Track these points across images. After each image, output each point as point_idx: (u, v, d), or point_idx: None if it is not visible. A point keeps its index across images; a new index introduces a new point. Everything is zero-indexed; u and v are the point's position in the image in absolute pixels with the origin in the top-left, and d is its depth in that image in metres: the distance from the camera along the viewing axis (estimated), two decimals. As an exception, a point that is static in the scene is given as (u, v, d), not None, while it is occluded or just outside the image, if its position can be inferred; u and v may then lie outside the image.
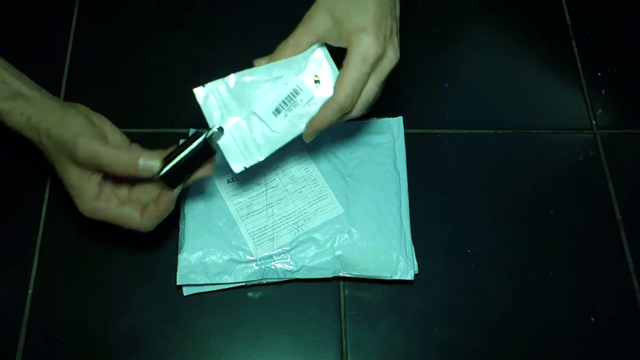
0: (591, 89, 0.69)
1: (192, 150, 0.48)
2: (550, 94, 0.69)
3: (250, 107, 0.50)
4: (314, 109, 0.50)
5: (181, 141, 0.49)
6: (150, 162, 0.47)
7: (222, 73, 0.69)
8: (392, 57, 0.49)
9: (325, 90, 0.50)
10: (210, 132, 0.49)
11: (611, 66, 0.70)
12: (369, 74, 0.48)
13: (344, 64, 0.48)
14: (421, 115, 0.66)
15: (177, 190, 0.50)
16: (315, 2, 0.50)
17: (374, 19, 0.47)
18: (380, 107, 0.65)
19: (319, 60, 0.50)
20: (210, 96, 0.49)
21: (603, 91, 0.69)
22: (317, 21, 0.49)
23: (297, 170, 0.60)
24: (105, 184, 0.50)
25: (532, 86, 0.69)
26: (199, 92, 0.49)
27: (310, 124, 0.50)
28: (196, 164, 0.49)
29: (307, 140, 0.51)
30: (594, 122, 0.67)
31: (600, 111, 0.68)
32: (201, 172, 0.50)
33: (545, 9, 0.74)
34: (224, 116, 0.50)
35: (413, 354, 0.55)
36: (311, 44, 0.50)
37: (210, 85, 0.50)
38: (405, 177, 0.61)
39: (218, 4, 0.71)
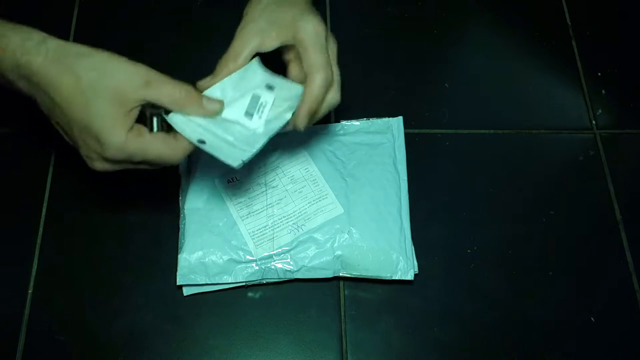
0: (591, 89, 0.69)
1: None
2: (550, 94, 0.69)
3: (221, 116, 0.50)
4: (286, 105, 0.50)
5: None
6: (214, 102, 0.48)
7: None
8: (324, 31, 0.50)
9: (283, 90, 0.50)
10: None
11: (611, 66, 0.70)
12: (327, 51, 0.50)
13: (304, 50, 0.49)
14: (421, 115, 0.66)
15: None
16: (244, 16, 0.51)
17: (306, 4, 0.51)
18: (380, 107, 0.66)
19: (259, 71, 0.50)
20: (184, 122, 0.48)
21: (603, 91, 0.69)
22: (252, 29, 0.50)
23: (297, 170, 0.60)
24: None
25: (532, 86, 0.69)
26: (175, 119, 0.48)
27: (303, 109, 0.49)
28: None
29: (303, 127, 0.50)
30: (594, 122, 0.67)
31: (600, 111, 0.68)
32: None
33: (545, 9, 0.74)
34: (202, 133, 0.48)
35: (413, 353, 0.55)
36: (251, 53, 0.50)
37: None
38: (405, 177, 0.61)
39: (218, 4, 0.71)
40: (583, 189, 0.64)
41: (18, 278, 0.57)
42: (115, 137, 0.43)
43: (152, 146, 0.45)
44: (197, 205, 0.58)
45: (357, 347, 0.55)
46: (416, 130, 0.65)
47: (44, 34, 0.44)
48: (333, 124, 0.63)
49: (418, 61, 0.69)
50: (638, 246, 0.61)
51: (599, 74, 0.70)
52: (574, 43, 0.71)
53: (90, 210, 0.60)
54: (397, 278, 0.56)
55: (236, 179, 0.59)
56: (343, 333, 0.56)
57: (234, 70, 0.50)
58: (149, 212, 0.59)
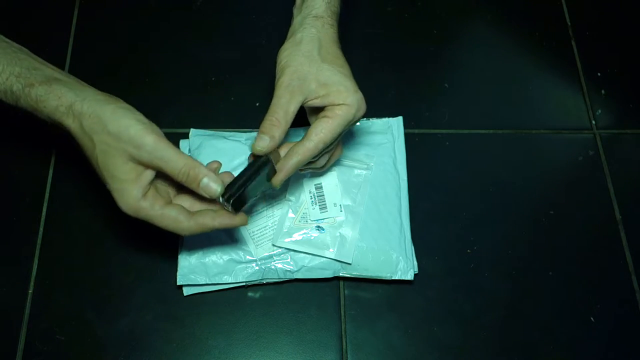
0: (591, 89, 0.69)
1: (255, 172, 0.48)
2: (550, 94, 0.69)
3: None
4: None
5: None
6: (212, 185, 0.46)
7: (223, 73, 0.69)
8: (364, 109, 0.51)
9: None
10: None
11: (611, 66, 0.70)
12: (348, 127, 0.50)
13: (328, 115, 0.49)
14: (421, 115, 0.66)
15: (241, 221, 0.48)
16: (284, 66, 0.50)
17: (350, 74, 0.50)
18: (380, 107, 0.65)
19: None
20: None
21: (603, 91, 0.69)
22: (299, 87, 0.49)
23: (297, 171, 0.60)
24: (156, 181, 0.48)
25: (532, 86, 0.69)
26: None
27: (279, 171, 0.49)
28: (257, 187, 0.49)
29: (278, 186, 0.50)
30: (593, 122, 0.67)
31: (600, 111, 0.68)
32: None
33: (545, 9, 0.74)
34: None
35: (413, 353, 0.55)
36: (297, 110, 0.49)
37: None
38: (405, 177, 0.61)
39: (218, 4, 0.71)
40: (583, 189, 0.64)
41: (18, 278, 0.57)
42: (119, 201, 0.46)
43: (163, 220, 0.47)
44: (197, 205, 0.58)
45: (357, 347, 0.55)
46: (416, 130, 0.65)
47: (72, 97, 0.46)
48: (333, 124, 0.63)
49: (418, 61, 0.69)
50: (638, 246, 0.61)
51: (599, 74, 0.70)
52: (573, 43, 0.71)
53: (90, 210, 0.60)
54: (397, 278, 0.56)
55: (236, 179, 0.59)
56: (343, 333, 0.56)
57: (286, 129, 0.48)
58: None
